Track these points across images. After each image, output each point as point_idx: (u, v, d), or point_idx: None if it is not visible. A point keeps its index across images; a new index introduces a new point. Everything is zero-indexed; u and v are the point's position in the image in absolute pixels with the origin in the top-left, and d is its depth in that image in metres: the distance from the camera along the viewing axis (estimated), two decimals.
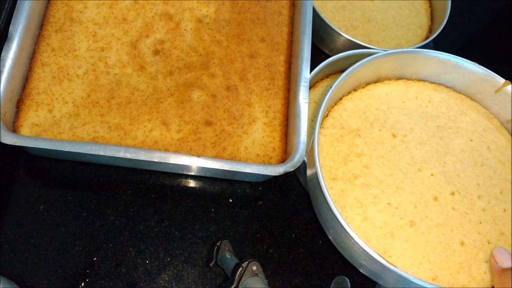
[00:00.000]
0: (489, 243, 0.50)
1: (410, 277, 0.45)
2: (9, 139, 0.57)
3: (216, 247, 0.63)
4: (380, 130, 0.56)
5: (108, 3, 0.70)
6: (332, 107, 0.58)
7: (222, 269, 0.62)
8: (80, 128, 0.63)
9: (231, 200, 0.70)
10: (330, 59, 0.71)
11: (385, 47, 0.80)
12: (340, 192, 0.52)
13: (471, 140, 0.56)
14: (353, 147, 0.55)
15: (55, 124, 0.63)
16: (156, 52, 0.69)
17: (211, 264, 0.63)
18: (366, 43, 0.75)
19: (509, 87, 0.56)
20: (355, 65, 0.55)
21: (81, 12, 0.69)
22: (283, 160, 0.64)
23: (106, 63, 0.67)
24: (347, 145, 0.55)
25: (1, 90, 0.60)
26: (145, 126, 0.64)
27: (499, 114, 0.58)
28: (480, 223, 0.51)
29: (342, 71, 0.76)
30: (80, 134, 0.62)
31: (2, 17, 0.68)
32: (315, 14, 0.74)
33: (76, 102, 0.64)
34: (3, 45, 0.61)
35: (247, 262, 0.56)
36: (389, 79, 0.60)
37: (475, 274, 0.49)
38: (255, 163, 0.63)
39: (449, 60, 0.58)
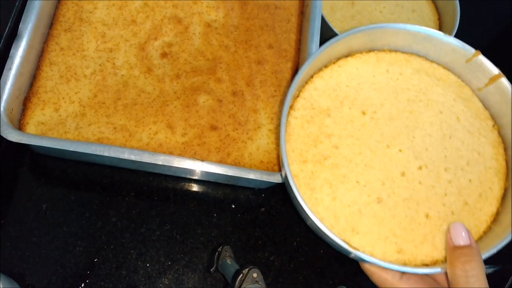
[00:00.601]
0: (453, 214, 0.51)
1: (372, 259, 0.46)
2: (15, 137, 0.58)
3: (217, 253, 0.63)
4: (350, 108, 0.55)
5: (118, 4, 0.70)
6: (303, 86, 0.57)
7: (223, 275, 0.62)
8: (85, 128, 0.63)
9: (233, 206, 0.70)
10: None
11: None
12: (310, 174, 0.52)
13: (441, 112, 0.56)
14: (323, 127, 0.54)
15: (61, 123, 0.63)
16: (163, 55, 0.69)
17: (211, 270, 0.63)
18: None
19: (479, 56, 0.56)
20: (323, 46, 0.55)
21: (90, 13, 0.69)
22: None
23: (113, 64, 0.67)
24: (317, 126, 0.54)
25: (9, 88, 0.60)
26: (150, 129, 0.64)
27: (470, 83, 0.58)
28: (446, 195, 0.52)
29: None
30: (85, 134, 0.62)
31: (12, 15, 0.68)
32: (324, 23, 0.74)
33: (83, 102, 0.64)
34: (13, 43, 0.62)
35: (247, 269, 0.56)
36: (361, 52, 0.59)
37: (438, 244, 0.49)
38: (259, 169, 0.63)
39: (419, 32, 0.57)
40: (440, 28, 0.86)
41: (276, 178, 0.60)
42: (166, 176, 0.70)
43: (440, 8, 0.86)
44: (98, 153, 0.58)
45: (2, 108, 0.59)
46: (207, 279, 0.65)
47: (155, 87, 0.67)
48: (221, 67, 0.69)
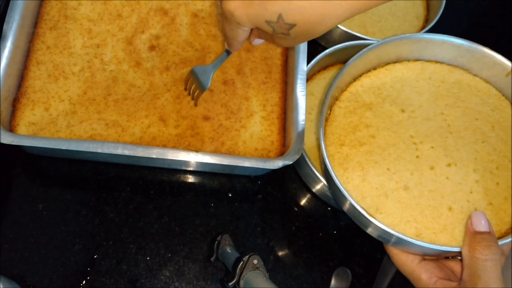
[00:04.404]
0: (476, 210, 0.53)
1: (373, 220, 0.50)
2: (6, 139, 0.57)
3: (216, 242, 0.63)
4: (390, 105, 0.60)
5: None
6: (351, 83, 0.62)
7: (223, 263, 0.62)
8: (77, 125, 0.62)
9: (230, 195, 0.70)
10: (327, 51, 0.71)
11: (381, 38, 0.79)
12: (345, 156, 0.56)
13: (477, 119, 0.59)
14: (363, 118, 0.59)
15: (52, 123, 0.62)
16: (152, 48, 0.68)
17: (212, 259, 0.63)
18: (363, 34, 0.75)
19: None
20: (365, 49, 0.59)
21: (75, 9, 0.69)
22: (281, 153, 0.64)
23: (101, 60, 0.67)
24: (358, 117, 0.59)
25: None
26: (142, 123, 0.64)
27: (510, 97, 0.61)
28: (471, 192, 0.54)
29: (339, 62, 0.76)
30: (77, 132, 0.62)
31: None
32: None
33: (73, 99, 0.64)
34: None
35: (248, 256, 0.56)
36: (408, 60, 0.63)
37: (457, 235, 0.52)
38: (254, 157, 0.63)
39: (462, 44, 0.60)
40: (428, 5, 0.86)
41: (271, 165, 0.60)
42: (161, 169, 0.70)
43: (430, 5, 0.86)
44: (91, 150, 0.58)
45: None
46: (208, 268, 0.65)
47: (145, 81, 0.66)
48: (210, 57, 0.69)
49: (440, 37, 0.61)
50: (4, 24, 0.62)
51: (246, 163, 0.60)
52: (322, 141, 0.54)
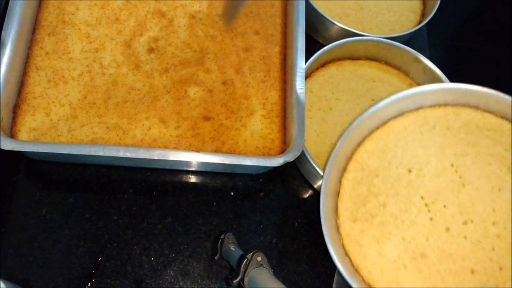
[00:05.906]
0: (501, 269, 0.50)
1: None
2: (8, 145, 0.57)
3: (220, 240, 0.63)
4: (397, 167, 0.57)
5: (100, 3, 0.70)
6: (355, 149, 0.59)
7: (227, 261, 0.62)
8: (78, 130, 0.63)
9: (232, 193, 0.70)
10: (325, 48, 0.71)
11: (378, 33, 0.80)
12: (359, 232, 0.55)
13: (490, 164, 0.55)
14: (371, 187, 0.57)
15: (53, 127, 0.63)
16: (150, 50, 0.69)
17: (216, 257, 0.63)
18: (360, 31, 0.75)
19: None
20: (364, 114, 0.58)
21: (73, 14, 0.69)
22: (282, 151, 0.65)
23: (101, 63, 0.67)
24: (367, 186, 0.57)
25: None
26: (143, 125, 0.64)
27: None
28: (493, 249, 0.51)
29: (338, 59, 0.76)
30: (78, 136, 0.62)
31: None
32: (308, 4, 0.74)
33: (73, 104, 0.64)
34: None
35: (251, 253, 0.56)
36: (410, 110, 0.60)
37: None
38: (255, 155, 0.63)
39: (458, 88, 0.57)
40: (424, 0, 0.86)
41: (272, 162, 0.60)
42: (163, 170, 0.70)
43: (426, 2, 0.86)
44: (93, 153, 0.58)
45: None
46: (212, 267, 0.65)
47: (145, 83, 0.67)
48: (209, 58, 0.69)
49: (431, 88, 0.57)
50: (2, 31, 0.62)
51: (247, 162, 0.60)
52: (327, 236, 0.54)
